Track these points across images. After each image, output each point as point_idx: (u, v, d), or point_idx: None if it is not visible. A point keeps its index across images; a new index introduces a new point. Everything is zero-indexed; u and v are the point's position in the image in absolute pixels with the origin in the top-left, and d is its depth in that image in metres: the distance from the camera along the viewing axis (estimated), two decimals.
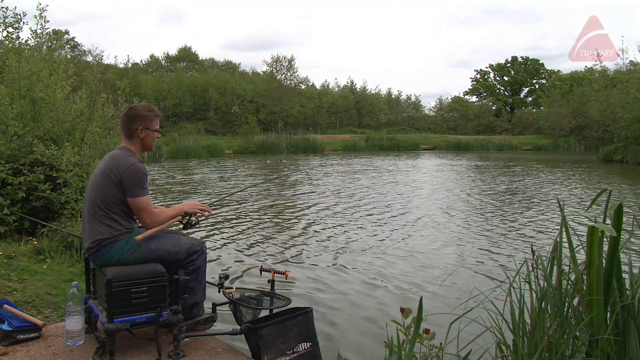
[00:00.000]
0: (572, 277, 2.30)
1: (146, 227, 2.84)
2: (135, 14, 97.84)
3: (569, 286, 2.30)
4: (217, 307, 3.14)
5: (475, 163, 25.74)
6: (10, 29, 6.86)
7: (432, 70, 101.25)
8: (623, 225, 2.17)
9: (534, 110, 55.67)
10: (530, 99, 60.68)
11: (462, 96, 60.43)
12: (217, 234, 7.60)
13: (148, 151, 3.08)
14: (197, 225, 3.09)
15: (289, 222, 8.80)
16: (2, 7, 6.73)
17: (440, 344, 2.16)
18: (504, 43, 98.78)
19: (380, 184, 14.93)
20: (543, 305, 2.23)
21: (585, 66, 48.17)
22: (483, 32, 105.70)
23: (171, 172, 19.19)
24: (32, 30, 7.30)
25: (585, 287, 2.20)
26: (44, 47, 7.87)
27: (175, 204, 8.67)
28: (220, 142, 33.74)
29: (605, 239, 2.18)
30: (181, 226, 3.05)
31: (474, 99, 61.33)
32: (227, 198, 11.02)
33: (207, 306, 3.14)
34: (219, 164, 24.39)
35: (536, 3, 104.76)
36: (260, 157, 29.45)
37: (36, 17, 7.03)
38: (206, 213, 3.09)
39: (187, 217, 3.02)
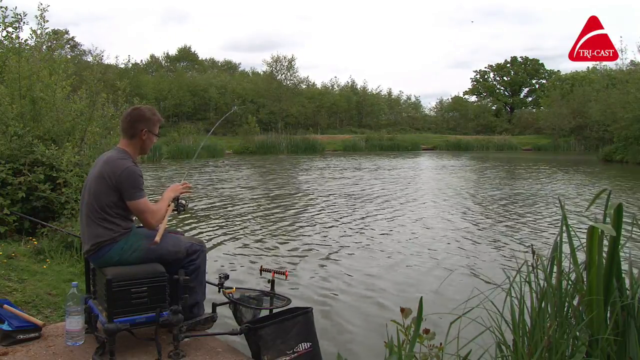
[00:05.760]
0: (572, 277, 2.30)
1: (150, 227, 2.84)
2: (137, 15, 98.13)
3: (569, 286, 2.30)
4: (217, 307, 3.14)
5: (475, 163, 25.74)
6: (10, 29, 6.86)
7: (432, 71, 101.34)
8: (623, 225, 2.17)
9: (534, 110, 55.67)
10: (530, 99, 60.69)
11: (462, 96, 60.51)
12: (217, 234, 7.59)
13: (143, 154, 3.05)
14: (189, 207, 3.10)
15: (289, 222, 8.80)
16: (2, 7, 6.74)
17: (440, 344, 2.15)
18: (503, 43, 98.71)
19: (381, 186, 14.92)
20: (543, 305, 2.23)
21: (588, 67, 48.25)
22: (482, 32, 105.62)
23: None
24: (32, 30, 7.31)
25: (585, 287, 2.20)
26: (44, 47, 7.86)
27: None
28: (220, 142, 33.70)
29: (605, 239, 2.18)
30: (175, 212, 3.05)
31: (473, 98, 61.42)
32: (228, 199, 11.00)
33: (207, 306, 3.14)
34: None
35: (535, 4, 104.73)
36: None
37: (37, 17, 7.04)
38: (189, 190, 3.11)
39: (176, 202, 3.02)
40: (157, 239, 2.75)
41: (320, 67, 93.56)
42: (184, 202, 3.06)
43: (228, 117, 43.57)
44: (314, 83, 52.51)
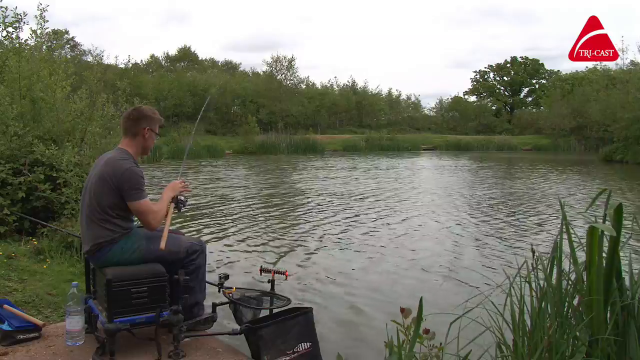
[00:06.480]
0: (572, 277, 2.30)
1: (151, 227, 2.83)
2: (137, 15, 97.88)
3: (569, 286, 2.30)
4: (217, 307, 3.13)
5: (476, 163, 25.74)
6: (10, 29, 6.85)
7: (432, 71, 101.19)
8: (623, 225, 2.17)
9: (534, 110, 55.64)
10: (530, 99, 60.66)
11: (462, 96, 60.49)
12: (217, 234, 7.60)
13: (145, 154, 3.05)
14: (188, 205, 3.11)
15: (289, 222, 8.80)
16: (2, 7, 6.73)
17: (440, 344, 2.15)
18: (502, 44, 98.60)
19: (380, 185, 14.92)
20: (543, 305, 2.22)
21: (587, 67, 48.19)
22: (481, 32, 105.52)
23: None
24: (32, 30, 7.30)
25: (585, 287, 2.20)
26: (44, 47, 7.86)
27: None
28: (220, 142, 33.70)
29: (605, 239, 2.18)
30: (176, 212, 3.05)
31: (473, 98, 61.40)
32: (227, 199, 11.00)
33: (207, 306, 3.13)
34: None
35: (535, 4, 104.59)
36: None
37: (37, 17, 7.04)
38: (187, 188, 3.09)
39: (175, 200, 3.02)
40: (162, 245, 2.75)
41: (320, 67, 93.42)
42: (182, 198, 3.07)
43: (228, 117, 43.63)
44: (313, 83, 52.49)
